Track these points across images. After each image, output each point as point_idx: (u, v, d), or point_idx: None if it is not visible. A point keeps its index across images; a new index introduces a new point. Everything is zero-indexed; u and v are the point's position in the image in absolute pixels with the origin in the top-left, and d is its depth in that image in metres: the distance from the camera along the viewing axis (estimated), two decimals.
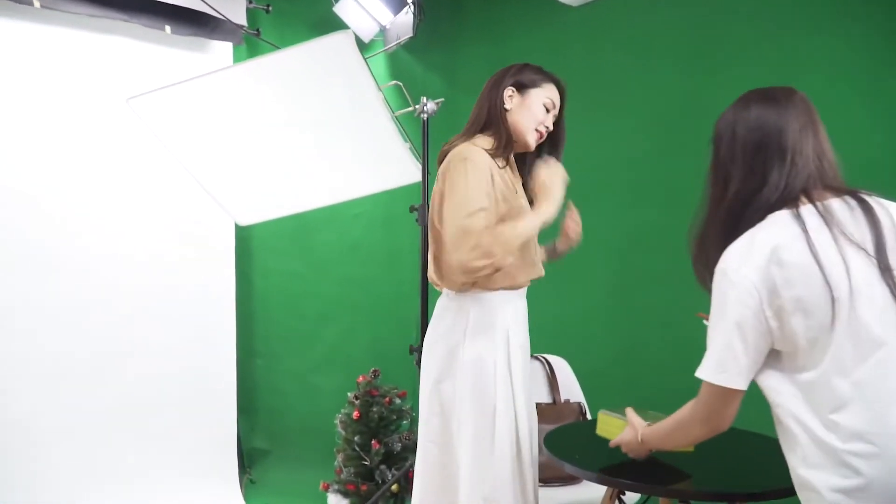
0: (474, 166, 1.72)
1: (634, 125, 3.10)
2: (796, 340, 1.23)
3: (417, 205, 2.56)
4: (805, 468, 1.21)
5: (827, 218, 1.27)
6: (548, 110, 1.86)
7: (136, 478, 3.15)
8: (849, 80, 2.53)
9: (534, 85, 1.85)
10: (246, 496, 3.38)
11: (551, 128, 1.89)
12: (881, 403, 1.17)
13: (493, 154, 1.80)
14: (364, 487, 2.82)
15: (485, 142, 1.83)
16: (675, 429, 1.43)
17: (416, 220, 2.56)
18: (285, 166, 2.87)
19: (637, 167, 3.09)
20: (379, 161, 2.82)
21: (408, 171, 2.87)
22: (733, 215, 1.32)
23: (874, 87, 2.50)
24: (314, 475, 3.12)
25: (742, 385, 1.27)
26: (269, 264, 3.71)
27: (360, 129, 2.70)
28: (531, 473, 1.80)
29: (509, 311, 1.86)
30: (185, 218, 3.29)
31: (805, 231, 1.25)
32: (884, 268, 1.23)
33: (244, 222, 3.14)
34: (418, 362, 2.50)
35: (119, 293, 3.12)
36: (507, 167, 1.85)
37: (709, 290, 1.33)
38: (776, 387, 1.26)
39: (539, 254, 1.94)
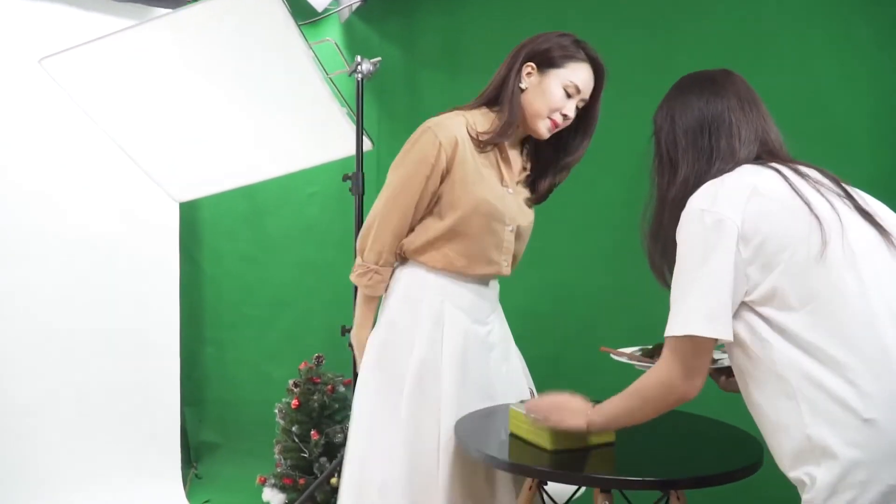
0: (417, 156, 1.61)
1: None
2: (782, 283, 1.10)
3: (352, 173, 2.35)
4: (814, 425, 1.05)
5: (796, 169, 1.19)
6: (569, 95, 1.62)
7: (69, 474, 2.95)
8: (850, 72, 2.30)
9: (556, 64, 1.62)
10: (190, 492, 3.19)
11: (571, 116, 1.64)
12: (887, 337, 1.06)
13: (484, 137, 1.62)
14: (302, 481, 2.61)
15: (484, 119, 1.66)
16: (641, 396, 1.24)
17: (350, 190, 2.35)
18: (217, 137, 2.68)
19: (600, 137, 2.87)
20: (318, 130, 2.63)
21: (352, 141, 2.67)
22: (687, 196, 1.21)
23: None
24: (266, 470, 2.93)
25: (731, 335, 1.14)
26: (219, 248, 3.51)
27: (295, 94, 2.50)
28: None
29: (454, 296, 1.68)
30: (122, 194, 3.09)
31: (780, 173, 1.17)
32: (864, 212, 1.15)
33: (180, 198, 2.95)
34: (351, 345, 2.31)
35: (47, 275, 2.92)
36: (497, 151, 1.67)
37: (666, 284, 1.23)
38: (768, 337, 1.11)
39: (506, 252, 1.72)
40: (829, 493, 1.03)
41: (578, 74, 1.63)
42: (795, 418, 1.07)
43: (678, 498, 1.42)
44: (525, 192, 1.76)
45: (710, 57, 2.29)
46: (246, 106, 2.57)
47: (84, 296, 3.01)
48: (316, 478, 2.61)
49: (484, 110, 1.68)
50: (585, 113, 1.70)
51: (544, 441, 1.36)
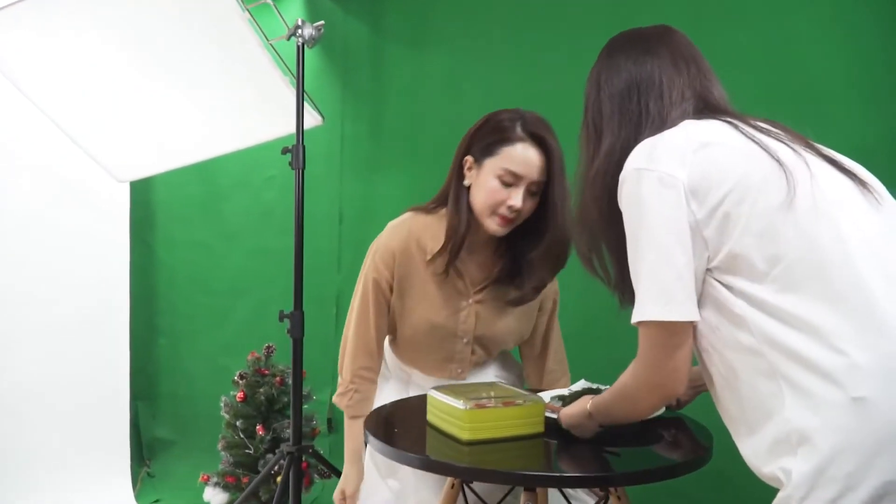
0: (363, 281, 1.59)
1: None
2: (745, 242, 0.91)
3: (292, 146, 2.17)
4: (794, 406, 0.86)
5: (747, 121, 1.02)
6: (508, 184, 1.43)
7: (8, 472, 2.77)
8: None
9: (489, 153, 1.46)
10: (140, 492, 3.02)
11: (519, 205, 1.43)
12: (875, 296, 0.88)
13: (442, 252, 1.51)
14: (246, 480, 2.44)
15: (439, 226, 1.55)
16: (620, 396, 1.08)
17: (290, 164, 2.17)
18: (156, 112, 2.51)
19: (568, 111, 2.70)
20: (265, 103, 2.45)
21: (304, 117, 2.49)
22: (611, 171, 1.03)
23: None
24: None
25: (695, 314, 0.95)
26: (173, 234, 3.33)
27: (234, 63, 2.32)
28: None
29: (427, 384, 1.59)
30: (65, 171, 2.90)
31: (730, 122, 1.00)
32: (834, 162, 0.98)
33: (123, 178, 2.77)
34: (289, 331, 2.14)
35: None
36: (458, 263, 1.54)
37: (597, 274, 1.09)
38: (738, 310, 0.92)
39: (460, 362, 1.62)
40: (807, 489, 0.84)
41: (513, 158, 1.43)
42: (776, 402, 0.88)
43: (619, 497, 1.25)
44: (500, 295, 1.59)
45: (675, 15, 2.13)
46: (184, 78, 2.40)
47: (25, 282, 2.83)
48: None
49: (441, 213, 1.56)
50: (545, 196, 1.48)
51: (459, 431, 1.18)
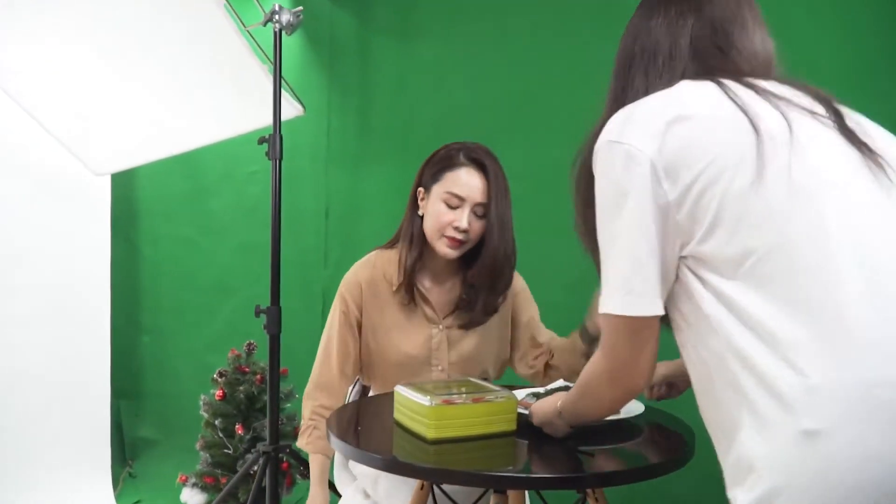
0: (332, 314, 1.62)
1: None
2: (717, 230, 0.79)
3: (268, 135, 2.10)
4: (748, 426, 0.74)
5: (746, 82, 0.89)
6: (453, 206, 1.51)
7: None
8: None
9: (435, 180, 1.55)
10: (122, 492, 2.95)
11: (464, 225, 1.51)
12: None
13: (401, 284, 1.57)
14: (224, 480, 2.37)
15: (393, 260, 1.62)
16: (583, 392, 1.00)
17: (266, 154, 2.10)
18: (132, 102, 2.44)
19: (560, 108, 2.63)
20: (244, 93, 2.38)
21: (283, 107, 2.42)
22: (589, 146, 0.95)
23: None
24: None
25: (656, 308, 0.84)
26: (157, 230, 3.27)
27: (211, 52, 2.25)
28: None
29: None
30: (44, 168, 2.83)
31: (718, 83, 0.88)
32: (848, 131, 0.83)
33: (99, 171, 2.71)
34: (266, 326, 2.08)
35: None
36: (417, 289, 1.59)
37: (597, 259, 0.94)
38: (708, 309, 0.80)
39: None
40: None
41: (456, 181, 1.53)
42: (739, 419, 0.76)
43: (596, 499, 1.18)
44: (463, 316, 1.62)
45: None
46: (160, 68, 2.34)
47: (1, 276, 2.77)
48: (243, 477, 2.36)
49: (399, 247, 1.63)
50: (486, 216, 1.55)
51: (425, 429, 1.11)
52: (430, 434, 1.10)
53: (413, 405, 1.14)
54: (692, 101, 0.88)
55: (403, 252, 1.58)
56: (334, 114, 3.15)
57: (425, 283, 1.61)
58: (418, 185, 1.61)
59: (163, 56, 2.29)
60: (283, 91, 2.32)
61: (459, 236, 1.51)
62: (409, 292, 1.57)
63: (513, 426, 1.15)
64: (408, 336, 1.57)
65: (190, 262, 3.26)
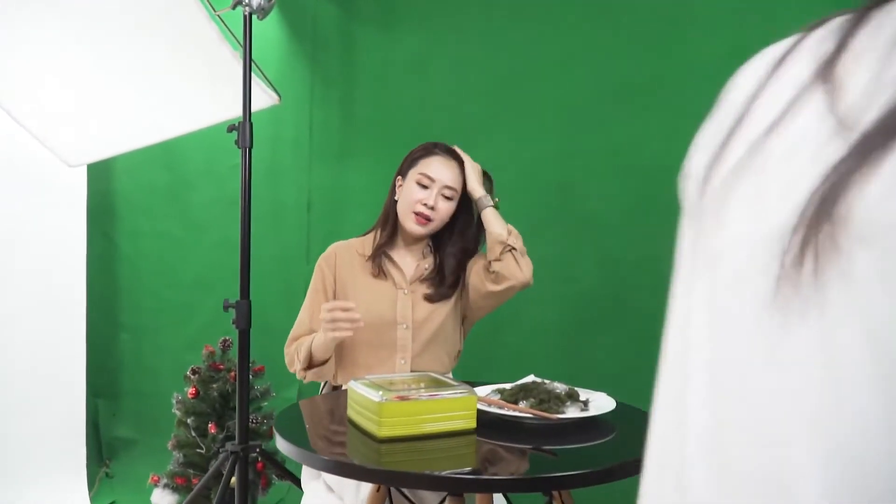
0: (312, 281, 1.79)
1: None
2: None
3: (238, 122, 2.02)
4: None
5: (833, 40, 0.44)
6: (425, 186, 1.70)
7: None
8: None
9: (412, 166, 1.75)
10: (98, 493, 2.88)
11: (431, 203, 1.69)
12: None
13: (371, 255, 1.74)
14: (196, 481, 2.29)
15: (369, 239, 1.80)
16: None
17: (236, 142, 2.03)
18: (103, 92, 2.36)
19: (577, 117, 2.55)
20: (218, 81, 2.30)
21: (257, 95, 2.34)
22: None
23: None
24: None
25: None
26: (137, 225, 3.19)
27: (181, 38, 2.18)
28: None
29: None
30: (16, 160, 2.76)
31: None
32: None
33: (73, 163, 2.63)
34: (235, 321, 2.01)
35: None
36: (386, 259, 1.76)
37: None
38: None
39: (401, 350, 1.71)
40: None
41: (429, 165, 1.72)
42: None
43: (563, 502, 1.10)
44: (429, 288, 1.77)
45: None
46: (131, 56, 2.26)
47: None
48: (214, 477, 2.29)
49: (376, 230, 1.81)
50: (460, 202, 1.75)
51: (375, 427, 1.03)
52: (380, 432, 1.02)
53: (364, 401, 1.06)
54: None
55: (378, 230, 1.78)
56: (317, 106, 3.07)
57: (397, 255, 1.77)
58: (397, 174, 1.78)
59: (132, 43, 2.21)
60: (256, 79, 2.25)
61: (426, 212, 1.68)
62: (377, 262, 1.73)
63: (472, 424, 1.07)
64: (378, 296, 1.71)
65: (169, 257, 3.18)
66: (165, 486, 2.33)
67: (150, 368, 3.18)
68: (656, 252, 2.30)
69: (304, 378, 1.66)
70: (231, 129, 2.01)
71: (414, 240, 1.76)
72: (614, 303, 2.38)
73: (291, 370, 1.72)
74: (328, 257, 1.78)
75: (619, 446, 1.10)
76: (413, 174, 1.72)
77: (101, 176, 3.09)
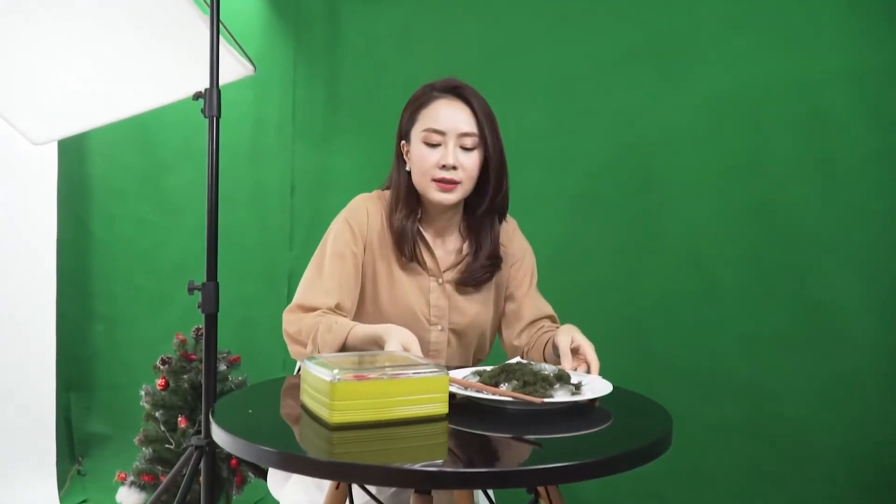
0: (339, 234, 1.39)
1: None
2: None
3: (204, 90, 1.86)
4: None
5: None
6: (435, 144, 1.35)
7: None
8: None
9: (413, 124, 1.40)
10: (69, 491, 2.73)
11: (452, 162, 1.34)
12: None
13: (396, 237, 1.40)
14: (164, 478, 2.13)
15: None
16: None
17: (202, 111, 1.87)
18: (67, 63, 2.21)
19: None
20: (188, 50, 2.14)
21: (230, 64, 2.19)
22: None
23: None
24: None
25: None
26: (112, 210, 3.04)
27: (149, 7, 2.03)
28: None
29: None
30: None
31: None
32: None
33: (39, 140, 2.47)
34: (201, 305, 1.87)
35: None
36: (420, 239, 1.41)
37: None
38: None
39: (433, 355, 1.43)
40: None
41: (431, 115, 1.37)
42: None
43: (550, 499, 0.94)
44: (461, 273, 1.45)
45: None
46: (93, 24, 2.11)
47: None
48: (183, 475, 2.13)
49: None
50: (483, 147, 1.38)
51: (327, 412, 0.88)
52: (333, 418, 0.86)
53: (316, 382, 0.91)
54: None
55: (392, 211, 1.41)
56: (300, 85, 2.93)
57: (429, 236, 1.44)
58: (400, 138, 1.44)
59: (94, 11, 2.06)
60: (228, 46, 2.10)
61: (449, 175, 1.34)
62: (400, 248, 1.39)
63: (444, 409, 0.92)
64: (406, 286, 1.40)
65: (145, 243, 3.04)
66: (132, 483, 2.18)
67: (125, 360, 3.03)
68: (658, 231, 2.15)
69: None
70: (197, 96, 1.85)
71: (442, 213, 1.43)
72: (612, 284, 2.23)
73: (297, 349, 1.31)
74: (359, 219, 1.40)
75: (615, 435, 0.95)
76: (417, 134, 1.37)
77: (74, 157, 2.94)
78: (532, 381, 1.01)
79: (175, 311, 3.05)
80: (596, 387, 1.04)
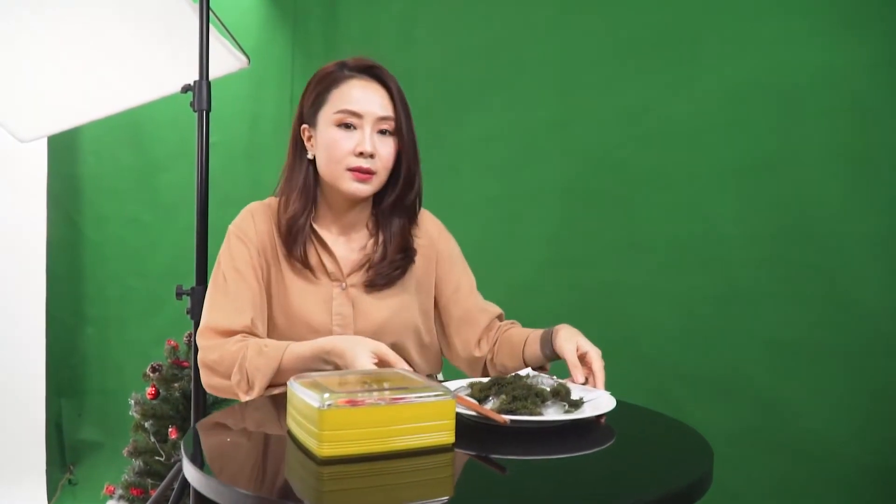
0: (234, 248, 1.24)
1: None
2: None
3: (193, 82, 1.75)
4: None
5: None
6: (349, 126, 1.20)
7: None
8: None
9: (318, 106, 1.23)
10: (59, 501, 2.63)
11: (369, 149, 1.20)
12: None
13: (284, 237, 1.24)
14: (154, 492, 2.02)
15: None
16: None
17: (191, 105, 1.76)
18: (55, 58, 2.11)
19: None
20: (180, 43, 2.03)
21: (222, 57, 2.08)
22: None
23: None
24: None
25: None
26: (104, 210, 2.95)
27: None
28: None
29: None
30: None
31: None
32: None
33: (25, 138, 2.37)
34: (190, 311, 1.76)
35: None
36: (314, 241, 1.25)
37: None
38: None
39: None
40: None
41: (345, 96, 1.22)
42: None
43: None
44: (367, 272, 1.29)
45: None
46: (81, 16, 2.01)
47: None
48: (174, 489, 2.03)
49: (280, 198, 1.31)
50: (397, 134, 1.25)
51: (316, 444, 0.76)
52: (322, 450, 0.75)
53: (303, 407, 0.79)
54: None
55: (284, 203, 1.25)
56: (298, 81, 2.81)
57: (328, 235, 1.28)
58: (300, 122, 1.27)
59: (81, 3, 1.96)
60: (220, 37, 1.99)
61: (366, 164, 1.20)
62: (289, 249, 1.23)
63: (450, 438, 0.81)
64: (304, 294, 1.24)
65: (138, 243, 2.94)
66: (120, 497, 2.07)
67: (117, 365, 2.94)
68: (675, 230, 2.02)
69: (247, 398, 1.14)
70: (185, 89, 1.74)
71: (351, 207, 1.27)
72: (625, 287, 2.11)
73: (217, 382, 1.17)
74: (245, 229, 1.25)
75: (652, 471, 0.83)
76: (326, 116, 1.21)
77: (65, 156, 2.85)
78: (523, 395, 0.90)
79: (168, 314, 2.94)
80: (599, 404, 0.93)
